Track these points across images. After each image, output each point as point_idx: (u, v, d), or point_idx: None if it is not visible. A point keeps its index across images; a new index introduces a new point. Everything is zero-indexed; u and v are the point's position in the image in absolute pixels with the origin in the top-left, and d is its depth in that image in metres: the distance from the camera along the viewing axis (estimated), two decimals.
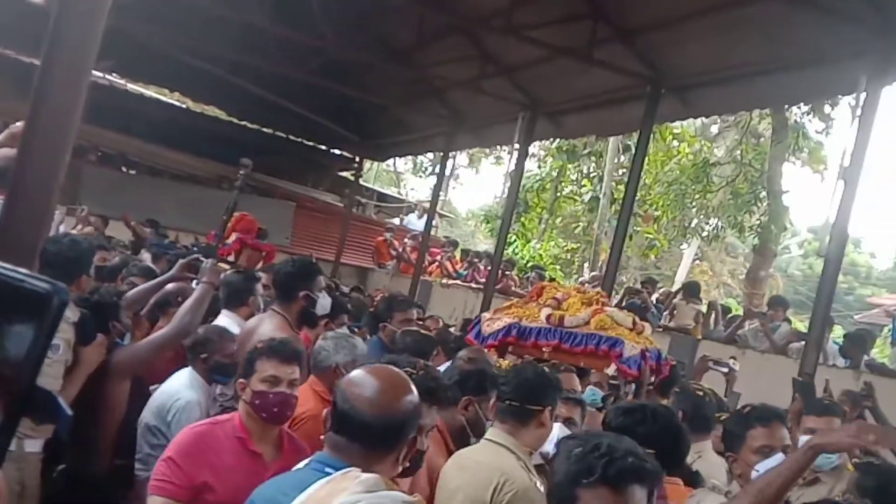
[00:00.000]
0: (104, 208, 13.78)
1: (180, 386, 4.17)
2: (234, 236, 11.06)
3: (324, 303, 4.90)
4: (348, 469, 2.09)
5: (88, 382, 3.96)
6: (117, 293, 4.54)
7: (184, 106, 20.45)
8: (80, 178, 15.49)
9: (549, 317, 5.95)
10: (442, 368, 4.54)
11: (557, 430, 3.57)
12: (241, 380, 3.45)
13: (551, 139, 18.32)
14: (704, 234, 22.69)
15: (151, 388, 4.28)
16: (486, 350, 5.67)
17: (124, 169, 18.97)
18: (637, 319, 6.04)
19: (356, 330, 6.41)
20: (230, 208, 6.05)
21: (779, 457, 3.16)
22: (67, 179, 3.74)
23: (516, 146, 12.48)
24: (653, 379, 5.69)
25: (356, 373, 2.37)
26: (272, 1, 11.51)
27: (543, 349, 5.78)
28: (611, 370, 5.98)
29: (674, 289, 15.31)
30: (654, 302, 12.64)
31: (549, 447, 3.46)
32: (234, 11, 11.39)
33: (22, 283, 1.15)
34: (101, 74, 16.74)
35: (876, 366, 9.03)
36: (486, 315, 6.46)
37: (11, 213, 3.23)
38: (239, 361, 3.98)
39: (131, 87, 19.58)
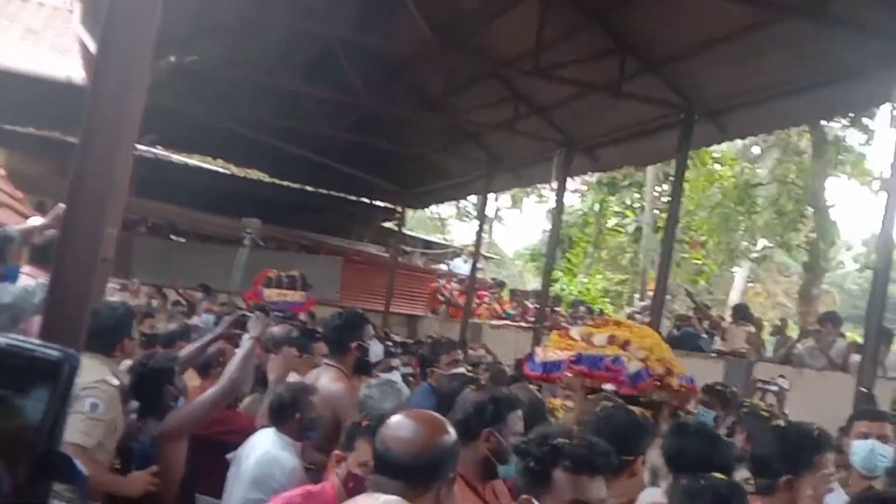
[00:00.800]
0: (156, 277, 14.11)
1: (277, 451, 4.07)
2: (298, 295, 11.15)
3: (376, 350, 5.02)
4: (373, 493, 2.22)
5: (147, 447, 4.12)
6: (172, 358, 4.70)
7: (227, 172, 20.92)
8: (132, 250, 15.87)
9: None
10: None
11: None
12: (337, 452, 3.41)
13: (589, 173, 18.37)
14: (753, 255, 22.45)
15: (228, 455, 4.24)
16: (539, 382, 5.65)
17: (173, 237, 19.38)
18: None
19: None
20: (239, 265, 6.22)
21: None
22: (119, 253, 3.87)
23: (555, 183, 12.56)
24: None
25: (394, 417, 2.50)
26: (304, 64, 11.85)
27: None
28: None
29: (726, 314, 15.19)
30: (707, 328, 12.57)
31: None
32: (269, 77, 11.75)
33: (33, 352, 1.27)
34: (145, 148, 17.21)
35: None
36: (539, 349, 6.25)
37: (54, 293, 3.32)
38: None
39: (175, 157, 20.09)
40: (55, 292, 3.32)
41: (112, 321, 4.26)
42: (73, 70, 12.64)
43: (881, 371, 7.91)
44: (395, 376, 5.52)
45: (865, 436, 4.28)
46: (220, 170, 21.03)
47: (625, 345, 5.38)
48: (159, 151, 19.00)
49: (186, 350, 5.12)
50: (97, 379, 3.99)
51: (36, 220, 5.27)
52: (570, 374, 5.34)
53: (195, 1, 9.46)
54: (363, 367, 5.14)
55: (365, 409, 4.22)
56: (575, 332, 5.92)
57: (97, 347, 4.13)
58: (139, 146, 15.83)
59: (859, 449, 4.26)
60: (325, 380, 4.83)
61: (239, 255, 7.44)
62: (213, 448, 4.44)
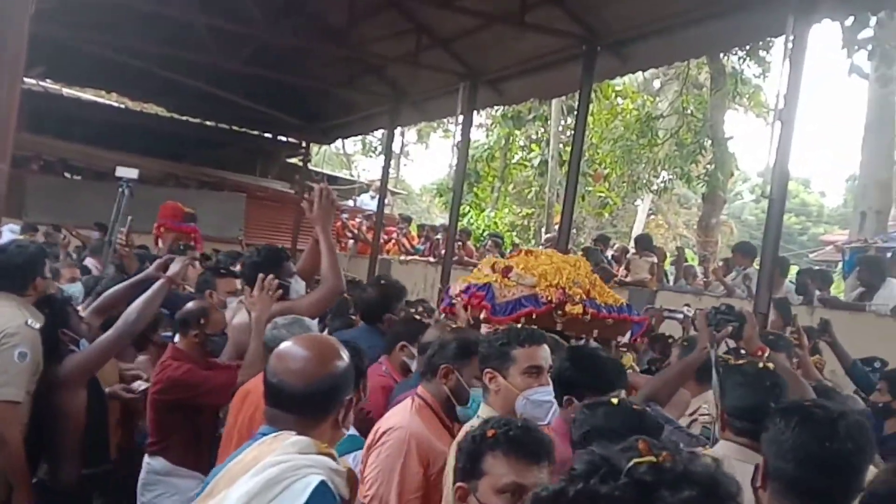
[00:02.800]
0: (50, 216, 13.60)
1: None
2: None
3: (297, 287, 4.87)
4: (278, 433, 2.17)
5: (43, 395, 3.95)
6: (64, 299, 4.50)
7: (122, 106, 20.18)
8: (24, 188, 15.26)
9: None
10: None
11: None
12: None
13: (494, 107, 18.36)
14: (654, 187, 22.91)
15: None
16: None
17: (67, 175, 18.70)
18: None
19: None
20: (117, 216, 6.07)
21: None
22: (11, 191, 3.69)
23: (460, 117, 12.49)
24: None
25: (283, 345, 2.41)
26: None
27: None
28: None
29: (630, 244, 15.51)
30: (610, 257, 12.81)
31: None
32: (162, 6, 11.23)
33: None
34: (34, 81, 16.46)
35: (828, 300, 9.20)
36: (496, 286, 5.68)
37: None
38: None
39: (67, 91, 19.28)
40: None
41: (22, 259, 4.12)
42: None
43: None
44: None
45: None
46: (115, 104, 20.27)
47: (505, 271, 5.25)
48: (49, 85, 18.19)
49: (111, 290, 4.85)
50: (19, 323, 3.86)
51: None
52: (457, 304, 5.28)
53: None
54: None
55: (272, 346, 4.12)
56: (483, 262, 5.84)
57: (8, 287, 4.02)
58: (27, 79, 15.12)
59: None
60: (240, 318, 4.70)
61: (116, 204, 7.18)
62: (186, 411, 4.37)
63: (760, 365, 3.23)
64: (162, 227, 11.05)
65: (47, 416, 3.94)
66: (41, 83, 17.57)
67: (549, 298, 5.01)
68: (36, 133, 15.66)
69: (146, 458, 4.46)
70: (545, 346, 3.22)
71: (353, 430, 3.38)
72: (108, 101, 20.28)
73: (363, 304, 5.34)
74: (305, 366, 2.29)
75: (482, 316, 5.05)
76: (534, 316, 4.91)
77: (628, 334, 5.46)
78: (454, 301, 5.31)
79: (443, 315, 5.54)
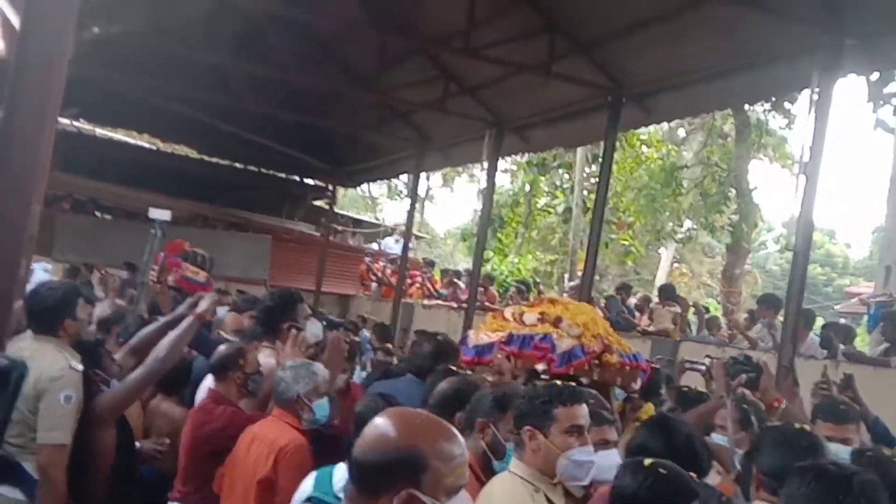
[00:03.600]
0: (79, 255, 13.77)
1: None
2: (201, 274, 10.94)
3: (313, 330, 4.94)
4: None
5: (76, 434, 3.98)
6: (97, 341, 4.56)
7: (154, 147, 20.49)
8: (54, 226, 15.48)
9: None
10: None
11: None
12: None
13: (520, 154, 18.49)
14: (678, 236, 22.90)
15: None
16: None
17: (98, 214, 18.94)
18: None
19: None
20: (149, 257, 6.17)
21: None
22: (41, 230, 3.78)
23: (485, 163, 12.61)
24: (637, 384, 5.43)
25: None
26: (232, 38, 11.65)
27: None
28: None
29: (653, 293, 15.50)
30: (633, 306, 12.80)
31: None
32: (197, 52, 11.49)
33: None
34: (68, 121, 16.76)
35: (852, 354, 9.14)
36: (472, 332, 5.94)
37: None
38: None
39: (100, 132, 19.61)
40: None
41: (51, 301, 4.14)
42: None
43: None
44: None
45: (829, 439, 4.34)
46: (146, 145, 20.59)
47: (556, 322, 5.22)
48: (83, 125, 18.51)
49: (145, 330, 4.87)
50: (62, 366, 3.90)
51: None
52: (500, 356, 5.17)
53: None
54: None
55: (278, 391, 4.16)
56: (508, 312, 5.79)
57: (40, 329, 4.06)
58: (62, 119, 15.42)
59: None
60: (261, 357, 4.78)
61: (149, 245, 7.30)
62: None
63: (798, 426, 3.21)
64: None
65: (78, 454, 3.97)
66: (74, 123, 17.88)
67: (593, 348, 5.01)
68: (67, 172, 15.90)
69: None
70: (585, 405, 3.19)
71: None
72: (139, 143, 20.59)
73: (418, 357, 5.22)
74: (371, 434, 1.98)
75: (541, 367, 5.00)
76: (586, 367, 4.95)
77: (638, 381, 5.38)
78: (497, 353, 5.22)
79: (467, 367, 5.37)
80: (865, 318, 15.61)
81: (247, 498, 3.83)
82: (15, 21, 7.73)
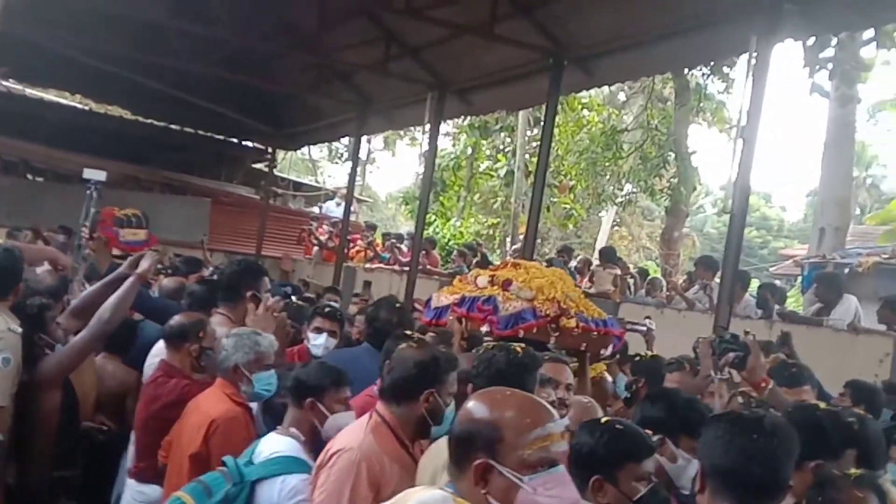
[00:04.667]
0: (12, 218, 13.42)
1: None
2: (142, 234, 10.75)
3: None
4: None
5: (18, 397, 3.92)
6: (41, 305, 4.45)
7: (86, 108, 19.97)
8: None
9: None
10: None
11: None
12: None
13: (462, 117, 18.43)
14: (619, 200, 23.11)
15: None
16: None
17: (29, 176, 18.47)
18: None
19: None
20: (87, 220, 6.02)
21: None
22: None
23: (427, 126, 12.53)
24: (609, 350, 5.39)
25: None
26: None
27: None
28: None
29: (595, 255, 15.65)
30: (573, 269, 12.90)
31: None
32: (130, 8, 11.15)
33: None
34: None
35: (787, 314, 9.35)
36: (435, 294, 5.82)
37: None
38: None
39: (30, 92, 19.05)
40: None
41: (9, 263, 4.07)
42: None
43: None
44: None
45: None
46: (79, 105, 20.04)
47: (506, 284, 5.21)
48: (12, 85, 17.96)
49: (87, 292, 4.79)
50: (1, 329, 3.83)
51: None
52: (451, 318, 5.20)
53: None
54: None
55: (219, 359, 4.07)
56: (470, 274, 5.84)
57: None
58: None
59: None
60: (214, 322, 4.71)
61: (84, 209, 7.14)
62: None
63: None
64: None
65: (21, 418, 3.92)
66: (4, 83, 17.34)
67: (547, 312, 4.97)
68: None
69: (133, 485, 4.35)
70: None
71: (299, 453, 3.41)
72: (71, 103, 20.05)
73: (374, 325, 5.00)
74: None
75: (485, 329, 4.99)
76: (534, 330, 4.92)
77: (610, 347, 5.37)
78: (449, 315, 5.23)
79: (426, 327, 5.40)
80: (799, 279, 16.03)
81: (181, 472, 3.73)
82: None
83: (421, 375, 3.23)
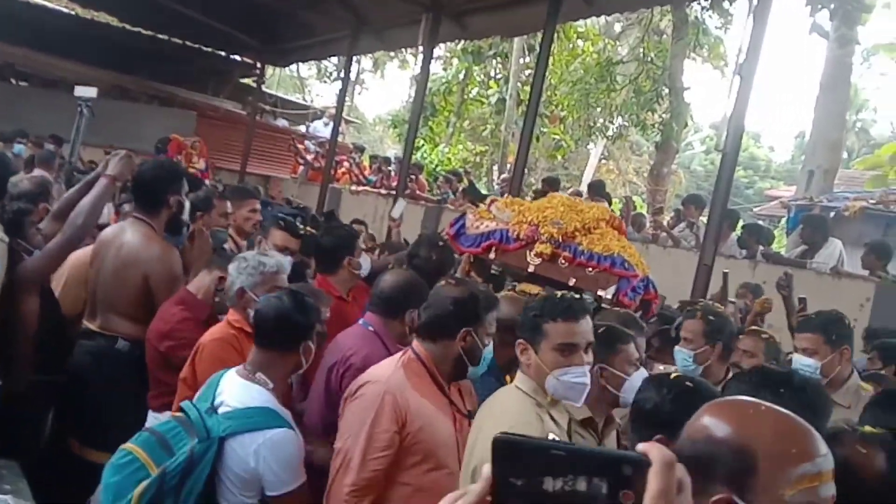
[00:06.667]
0: None
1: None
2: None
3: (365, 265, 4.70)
4: None
5: None
6: (19, 210, 4.39)
7: (73, 13, 19.51)
8: None
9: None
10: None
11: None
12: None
13: (456, 41, 18.14)
14: (609, 133, 22.98)
15: None
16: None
17: (13, 81, 18.14)
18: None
19: None
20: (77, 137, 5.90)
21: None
22: None
23: (420, 49, 12.31)
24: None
25: None
26: None
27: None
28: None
29: (581, 188, 15.60)
30: None
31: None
32: None
33: None
34: None
35: (771, 255, 9.39)
36: (471, 216, 5.30)
37: None
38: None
39: None
40: None
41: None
42: None
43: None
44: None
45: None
46: (65, 10, 19.57)
47: (489, 203, 5.12)
48: None
49: (66, 195, 4.66)
50: None
51: None
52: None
53: None
54: (175, 226, 4.61)
55: (226, 286, 3.87)
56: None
57: None
58: None
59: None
60: (133, 235, 4.41)
61: (76, 125, 6.98)
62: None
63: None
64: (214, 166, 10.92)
65: (1, 323, 3.89)
66: None
67: (518, 235, 4.77)
68: None
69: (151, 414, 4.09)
70: (584, 321, 2.92)
71: (271, 403, 3.07)
72: (58, 7, 19.57)
73: (413, 263, 4.73)
74: None
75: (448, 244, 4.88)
76: (499, 251, 4.74)
77: (612, 289, 4.80)
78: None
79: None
80: (784, 220, 16.08)
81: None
82: None
83: (458, 313, 3.12)
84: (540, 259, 4.69)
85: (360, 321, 3.82)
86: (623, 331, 3.38)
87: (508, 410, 2.89)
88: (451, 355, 3.16)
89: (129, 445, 2.88)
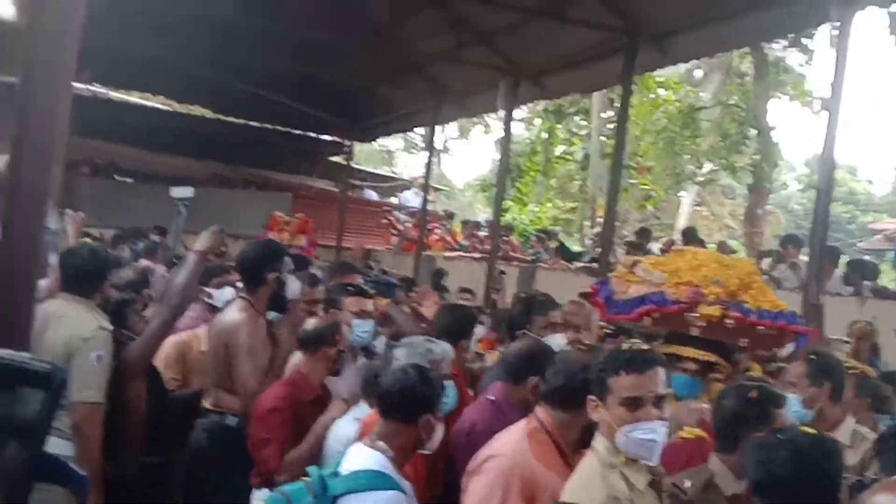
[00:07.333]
0: (103, 220, 13.84)
1: None
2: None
3: (293, 286, 4.79)
4: None
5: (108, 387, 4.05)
6: (121, 301, 4.58)
7: (168, 108, 20.48)
8: (76, 191, 15.55)
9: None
10: None
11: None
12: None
13: (536, 101, 18.33)
14: (699, 179, 22.71)
15: None
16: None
17: (117, 177, 19.03)
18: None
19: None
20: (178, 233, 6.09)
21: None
22: (64, 195, 3.82)
23: (501, 113, 12.52)
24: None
25: None
26: None
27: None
28: None
29: (675, 236, 15.43)
30: (659, 251, 12.74)
31: None
32: (206, 9, 11.44)
33: (26, 364, 1.55)
34: (83, 86, 16.76)
35: (879, 290, 9.10)
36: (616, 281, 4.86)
37: (7, 232, 3.24)
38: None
39: (115, 95, 19.61)
40: (7, 234, 3.22)
41: (94, 264, 4.19)
42: (3, 8, 12.19)
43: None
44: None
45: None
46: (162, 107, 20.57)
47: (633, 265, 4.69)
48: (97, 89, 18.52)
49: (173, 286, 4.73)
50: (94, 327, 3.95)
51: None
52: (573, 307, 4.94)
53: None
54: (278, 303, 4.75)
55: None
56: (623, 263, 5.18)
57: (77, 289, 4.08)
58: (76, 84, 15.42)
59: None
60: (232, 310, 4.60)
61: (175, 223, 7.31)
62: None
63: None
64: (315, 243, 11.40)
65: (110, 411, 4.02)
66: (89, 87, 17.87)
67: (678, 297, 4.36)
68: (85, 136, 15.94)
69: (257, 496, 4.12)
70: (651, 373, 2.79)
71: (386, 468, 3.08)
72: (154, 105, 20.58)
73: (506, 320, 4.82)
74: None
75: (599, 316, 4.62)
76: (657, 315, 4.35)
77: (790, 347, 4.48)
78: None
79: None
80: (892, 253, 15.51)
81: None
82: None
83: (587, 381, 2.98)
84: (706, 321, 4.28)
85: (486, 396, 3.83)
86: (778, 394, 3.22)
87: (576, 472, 2.84)
88: (579, 423, 3.09)
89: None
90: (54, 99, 3.30)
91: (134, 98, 20.29)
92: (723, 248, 13.69)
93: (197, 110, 20.49)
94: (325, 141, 21.02)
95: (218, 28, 12.68)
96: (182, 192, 7.20)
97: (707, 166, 22.19)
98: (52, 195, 3.37)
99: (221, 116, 19.90)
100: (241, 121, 19.82)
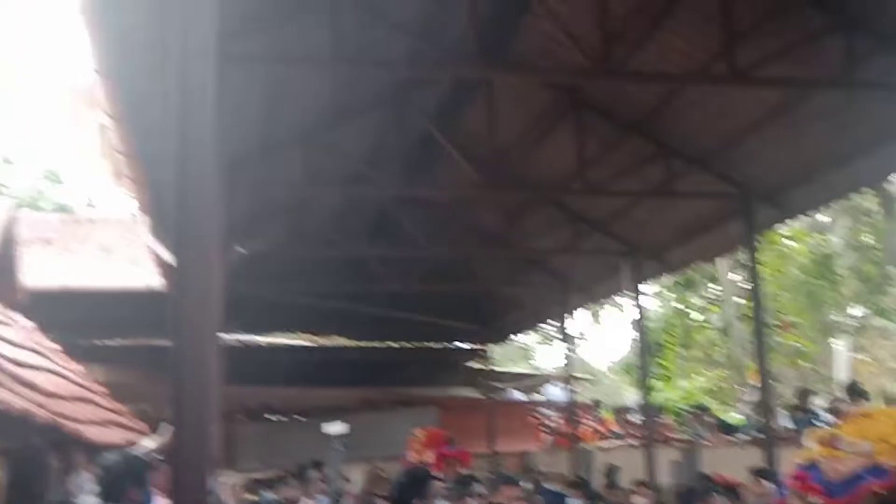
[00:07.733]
0: (261, 462, 14.20)
1: None
2: (429, 454, 11.27)
3: None
4: None
5: None
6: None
7: (312, 344, 21.27)
8: (234, 439, 16.07)
9: None
10: None
11: None
12: None
13: (660, 276, 18.24)
14: (848, 326, 21.74)
15: None
16: None
17: (271, 418, 19.58)
18: None
19: None
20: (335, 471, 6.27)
21: None
22: (223, 445, 4.00)
23: (628, 293, 12.53)
24: None
25: None
26: (365, 228, 12.29)
27: None
28: None
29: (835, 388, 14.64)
30: (827, 411, 12.00)
31: None
32: (332, 248, 12.17)
33: None
34: (230, 337, 17.68)
35: None
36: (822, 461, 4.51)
37: (177, 486, 3.34)
38: None
39: (260, 339, 20.54)
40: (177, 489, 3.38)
41: (118, 471, 4.38)
42: (148, 279, 13.20)
43: None
44: None
45: None
46: (305, 343, 21.38)
47: (833, 441, 4.42)
48: (243, 336, 19.46)
49: None
50: None
51: (148, 443, 5.43)
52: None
53: (250, 190, 9.95)
54: None
55: None
56: (807, 435, 5.08)
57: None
58: (224, 336, 16.29)
59: None
60: None
61: (332, 461, 7.56)
62: None
63: None
64: (442, 455, 11.58)
65: None
66: (238, 337, 18.79)
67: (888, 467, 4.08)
68: (236, 384, 16.67)
69: None
70: None
71: None
72: (297, 342, 21.40)
73: None
74: None
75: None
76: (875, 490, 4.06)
77: None
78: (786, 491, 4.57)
79: None
80: None
81: None
82: (166, 256, 8.46)
83: None
84: None
85: None
86: None
87: None
88: None
89: None
90: (202, 355, 3.51)
91: (277, 339, 21.20)
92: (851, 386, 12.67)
93: (335, 340, 21.19)
94: (461, 349, 21.28)
95: (347, 263, 13.40)
96: (335, 427, 7.42)
97: (854, 311, 21.25)
98: (212, 449, 3.52)
99: (359, 343, 20.52)
100: (380, 344, 20.37)
